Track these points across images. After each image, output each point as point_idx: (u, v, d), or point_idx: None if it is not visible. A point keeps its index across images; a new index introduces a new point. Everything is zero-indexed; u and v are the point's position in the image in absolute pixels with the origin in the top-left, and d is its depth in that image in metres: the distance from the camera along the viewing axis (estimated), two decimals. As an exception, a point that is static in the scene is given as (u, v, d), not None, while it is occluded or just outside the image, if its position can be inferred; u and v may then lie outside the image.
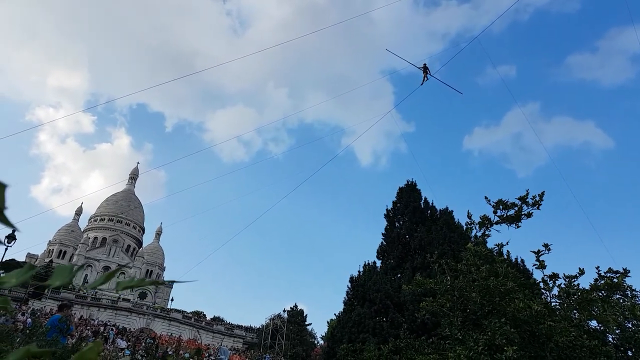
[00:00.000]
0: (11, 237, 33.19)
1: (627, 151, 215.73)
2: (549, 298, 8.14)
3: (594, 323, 7.83)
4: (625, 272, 7.86)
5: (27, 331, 10.79)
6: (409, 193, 21.71)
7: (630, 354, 8.17)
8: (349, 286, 19.20)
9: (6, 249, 32.61)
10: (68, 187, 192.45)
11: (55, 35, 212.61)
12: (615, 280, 7.44)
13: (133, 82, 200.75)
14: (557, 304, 7.97)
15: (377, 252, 20.50)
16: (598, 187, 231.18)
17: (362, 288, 17.66)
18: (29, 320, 29.45)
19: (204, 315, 78.82)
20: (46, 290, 58.74)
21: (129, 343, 37.74)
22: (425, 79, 20.90)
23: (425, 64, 21.29)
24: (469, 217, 9.10)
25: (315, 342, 62.73)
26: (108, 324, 52.62)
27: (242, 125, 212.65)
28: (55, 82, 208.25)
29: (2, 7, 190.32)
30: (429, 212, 20.80)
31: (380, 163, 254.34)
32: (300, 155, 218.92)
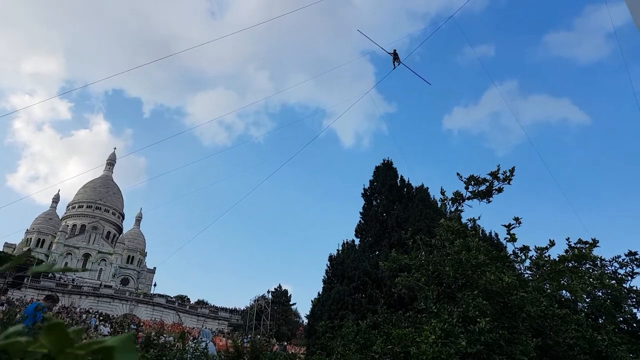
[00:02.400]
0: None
1: (602, 127, 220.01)
2: (521, 270, 8.32)
3: (565, 294, 8.04)
4: (594, 243, 8.06)
5: (5, 319, 10.67)
6: (385, 172, 21.82)
7: (601, 322, 8.42)
8: (328, 265, 19.41)
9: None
10: (45, 175, 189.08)
11: (31, 21, 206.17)
12: (584, 251, 7.62)
13: (110, 68, 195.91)
14: (529, 275, 8.16)
15: (356, 230, 20.72)
16: (575, 163, 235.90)
17: (340, 266, 17.90)
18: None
19: (188, 299, 78.89)
20: (26, 280, 57.99)
21: (111, 330, 37.62)
22: (397, 63, 20.99)
23: (395, 50, 21.26)
24: (442, 193, 9.20)
25: (300, 321, 63.40)
26: (90, 311, 52.30)
27: (223, 109, 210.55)
28: (30, 69, 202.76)
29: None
30: (405, 190, 20.97)
31: (362, 144, 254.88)
32: (282, 139, 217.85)
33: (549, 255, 7.93)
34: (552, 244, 8.01)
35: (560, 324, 6.76)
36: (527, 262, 8.16)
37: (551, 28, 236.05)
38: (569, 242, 8.34)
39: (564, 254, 7.54)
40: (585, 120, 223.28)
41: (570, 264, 7.45)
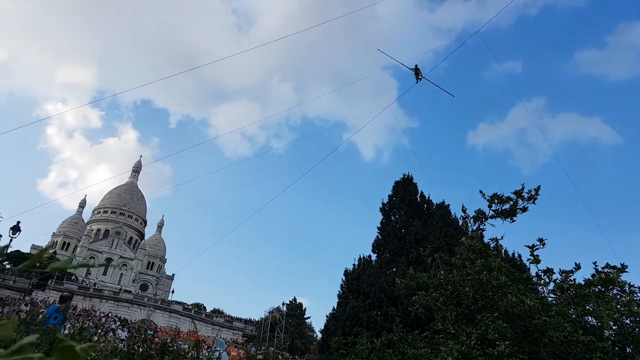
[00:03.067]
0: (16, 229, 33.27)
1: (635, 147, 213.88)
2: (544, 293, 8.01)
3: (591, 320, 7.69)
4: (622, 268, 7.70)
5: (27, 320, 10.78)
6: (405, 187, 21.55)
7: (629, 351, 8.03)
8: (344, 279, 19.16)
9: (10, 240, 32.81)
10: (74, 180, 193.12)
11: (65, 31, 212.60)
12: (611, 275, 7.29)
13: (139, 78, 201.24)
14: (553, 299, 7.85)
15: (373, 245, 20.44)
16: (605, 184, 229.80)
17: (356, 282, 17.62)
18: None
19: (204, 307, 79.12)
20: (49, 282, 59.06)
21: (128, 334, 37.87)
22: (419, 79, 20.96)
23: (416, 65, 21.33)
24: (464, 211, 8.96)
25: (314, 335, 62.83)
26: (109, 315, 52.83)
27: (246, 120, 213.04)
28: (63, 78, 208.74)
29: (13, 5, 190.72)
30: (425, 206, 20.69)
31: (382, 158, 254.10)
32: (302, 151, 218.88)
33: (574, 279, 7.62)
34: (577, 267, 7.70)
35: (584, 352, 6.45)
36: (551, 285, 7.85)
37: (582, 45, 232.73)
38: (596, 266, 8.00)
39: (590, 278, 7.21)
40: (616, 139, 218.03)
41: (597, 289, 7.11)
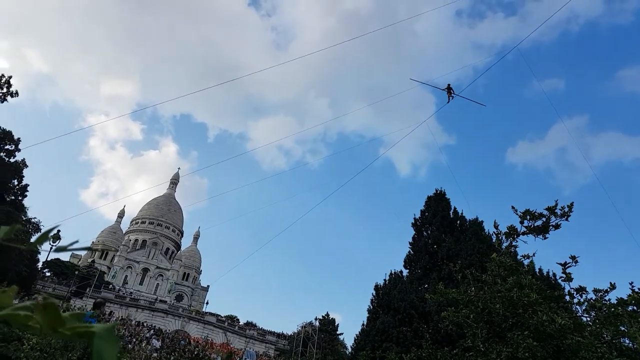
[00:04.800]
0: (56, 237, 34.59)
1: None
2: (578, 312, 7.86)
3: (626, 341, 7.50)
4: (660, 289, 7.50)
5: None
6: (437, 202, 21.43)
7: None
8: (374, 294, 19.03)
9: (51, 249, 33.88)
10: (115, 192, 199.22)
11: (109, 45, 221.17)
12: (647, 295, 7.11)
13: (179, 93, 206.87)
14: (586, 319, 7.69)
15: (404, 261, 20.22)
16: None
17: (387, 297, 17.44)
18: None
19: (237, 319, 79.67)
20: (87, 290, 60.83)
21: (161, 344, 38.53)
22: (451, 98, 21.46)
23: (449, 85, 21.97)
24: (496, 227, 8.89)
25: (346, 352, 62.26)
26: (145, 324, 53.91)
27: (283, 135, 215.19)
28: (107, 91, 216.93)
29: (58, 19, 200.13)
30: (458, 222, 20.46)
31: (419, 174, 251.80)
32: (338, 167, 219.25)
33: (609, 299, 7.46)
34: (612, 287, 7.54)
35: (618, 374, 6.32)
36: (585, 305, 7.70)
37: (626, 63, 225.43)
38: (632, 286, 7.81)
39: (624, 298, 7.06)
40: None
41: (631, 308, 6.96)
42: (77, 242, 0.86)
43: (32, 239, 0.75)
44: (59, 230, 34.11)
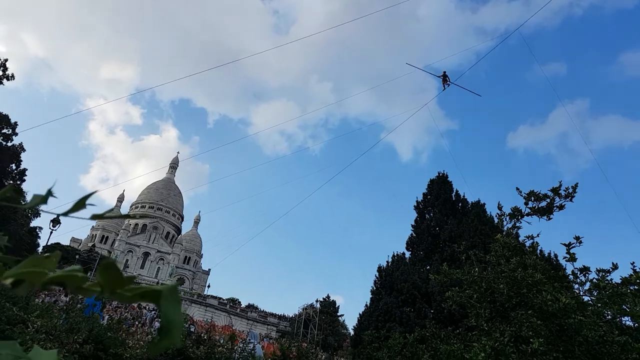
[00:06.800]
0: (56, 221, 34.66)
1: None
2: (580, 292, 7.92)
3: (627, 320, 7.58)
4: (662, 268, 7.55)
5: (66, 308, 11.36)
6: (439, 185, 21.50)
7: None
8: (377, 276, 19.20)
9: (51, 233, 33.99)
10: (115, 177, 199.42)
11: (108, 30, 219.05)
12: (650, 275, 7.16)
13: (178, 76, 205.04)
14: (589, 298, 7.75)
15: (407, 243, 20.38)
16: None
17: (390, 278, 17.62)
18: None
19: (239, 302, 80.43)
20: (88, 274, 61.01)
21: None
22: (447, 85, 21.31)
23: (444, 72, 21.89)
24: (499, 208, 8.91)
25: (347, 333, 63.01)
26: (147, 307, 54.31)
27: (285, 119, 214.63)
28: (105, 76, 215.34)
29: (56, 5, 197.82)
30: (460, 204, 20.58)
31: (420, 159, 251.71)
32: (340, 152, 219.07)
33: (611, 279, 7.52)
34: (615, 267, 7.59)
35: (620, 352, 6.39)
36: (587, 285, 7.76)
37: (627, 47, 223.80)
38: (634, 266, 7.86)
39: (627, 277, 7.12)
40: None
41: (634, 287, 7.02)
42: (113, 209, 0.84)
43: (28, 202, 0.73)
44: (58, 215, 34.20)
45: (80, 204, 0.75)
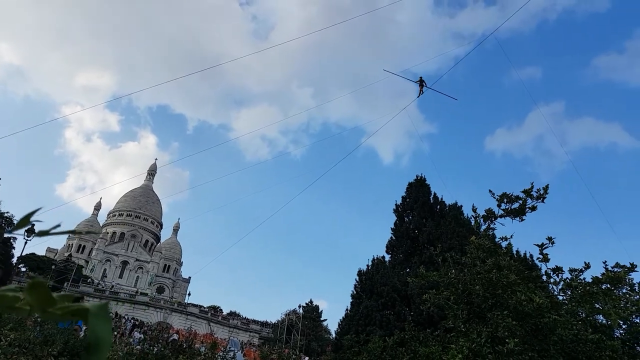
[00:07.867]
0: (30, 231, 33.88)
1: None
2: (555, 291, 8.06)
3: (600, 318, 7.74)
4: (632, 267, 7.73)
5: (39, 320, 11.11)
6: (418, 188, 21.68)
7: (639, 349, 8.06)
8: (357, 280, 19.33)
9: (25, 243, 33.26)
10: (92, 185, 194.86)
11: (84, 37, 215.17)
12: (619, 274, 7.34)
13: (157, 83, 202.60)
14: (563, 298, 7.90)
15: (387, 246, 20.63)
16: (623, 190, 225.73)
17: (370, 282, 17.76)
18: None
19: (221, 310, 79.70)
20: (65, 284, 59.94)
21: (146, 336, 38.25)
22: (422, 92, 21.73)
23: (421, 77, 22.30)
24: (474, 210, 9.04)
25: (331, 338, 62.97)
26: (126, 317, 53.45)
27: (266, 124, 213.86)
28: (82, 83, 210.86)
29: (30, 11, 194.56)
30: (438, 207, 20.80)
31: (401, 163, 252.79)
32: (321, 156, 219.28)
33: (584, 278, 7.68)
34: (587, 266, 7.76)
35: (593, 350, 6.52)
36: (561, 284, 7.91)
37: (601, 51, 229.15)
38: (606, 265, 8.04)
39: (599, 276, 7.28)
40: (636, 146, 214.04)
41: (605, 287, 7.18)
42: (59, 226, 0.83)
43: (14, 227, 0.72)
44: (33, 224, 33.45)
45: (25, 221, 0.75)
